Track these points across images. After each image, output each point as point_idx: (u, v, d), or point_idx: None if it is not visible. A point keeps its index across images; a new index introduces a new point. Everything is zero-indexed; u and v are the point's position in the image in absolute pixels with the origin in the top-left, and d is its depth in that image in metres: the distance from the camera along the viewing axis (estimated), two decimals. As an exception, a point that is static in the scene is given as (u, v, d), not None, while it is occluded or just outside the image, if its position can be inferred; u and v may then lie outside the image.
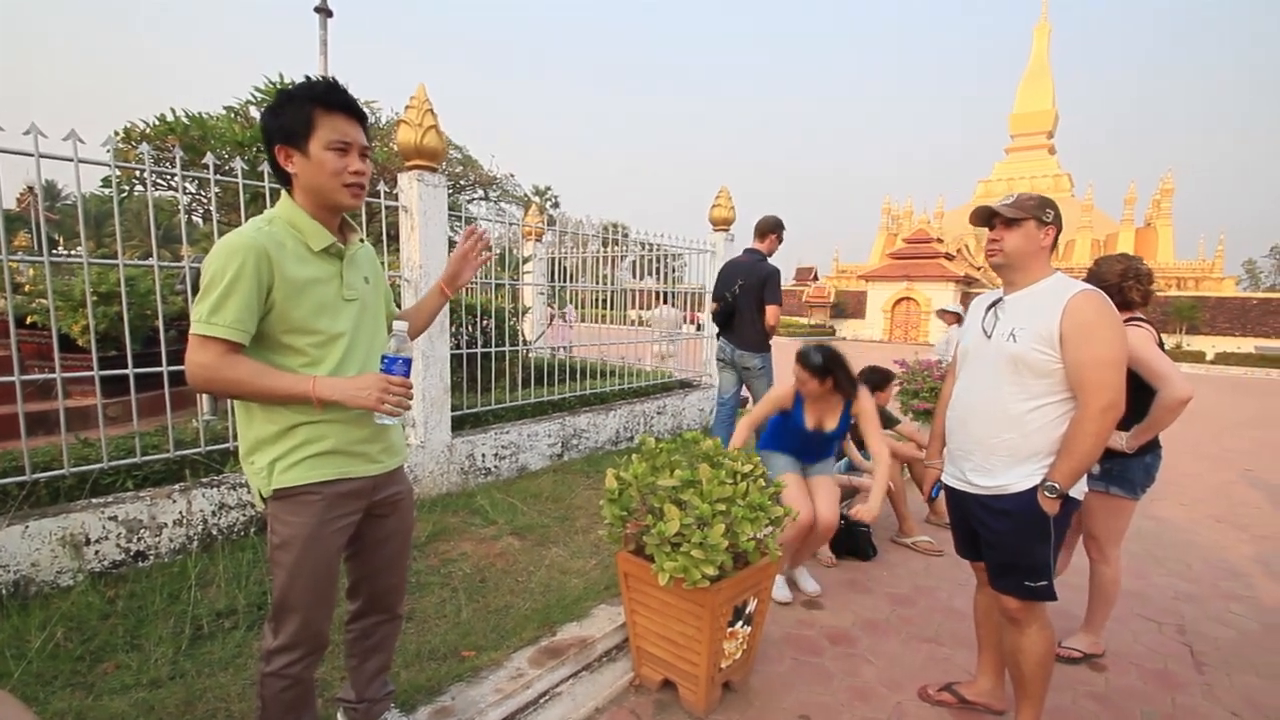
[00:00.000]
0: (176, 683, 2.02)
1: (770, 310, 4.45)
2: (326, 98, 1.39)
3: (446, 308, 3.77)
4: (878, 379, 4.36)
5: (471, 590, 2.77)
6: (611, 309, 6.21)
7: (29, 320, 4.67)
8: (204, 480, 2.88)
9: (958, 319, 7.26)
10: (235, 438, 3.05)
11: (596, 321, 7.25)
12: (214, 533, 2.85)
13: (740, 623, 2.22)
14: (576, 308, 9.35)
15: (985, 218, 1.97)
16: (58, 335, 2.63)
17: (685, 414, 6.04)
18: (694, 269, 6.43)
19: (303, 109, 1.37)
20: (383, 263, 3.38)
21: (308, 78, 1.45)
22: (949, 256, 33.96)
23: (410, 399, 1.44)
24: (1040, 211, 1.88)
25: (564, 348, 6.29)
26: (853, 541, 3.60)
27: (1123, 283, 2.49)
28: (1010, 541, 1.92)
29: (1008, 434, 1.88)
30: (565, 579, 2.94)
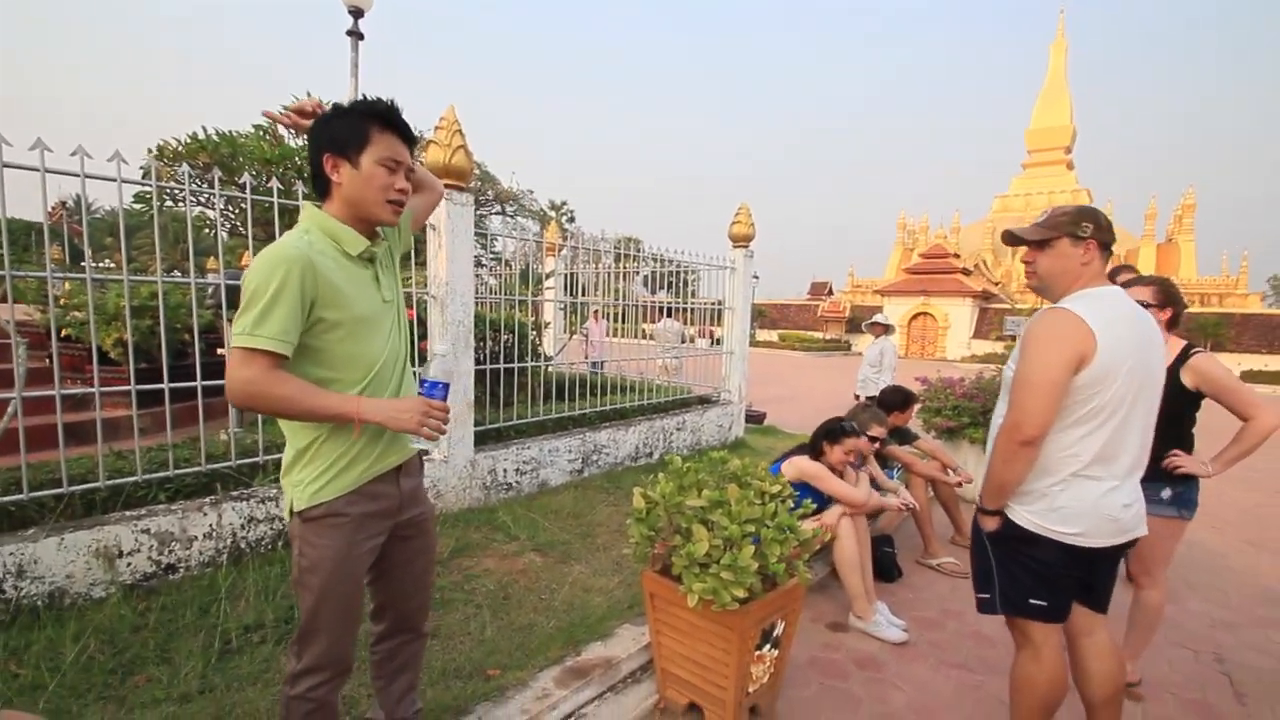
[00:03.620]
0: (206, 697, 2.04)
1: None
2: (386, 116, 1.42)
3: (471, 323, 3.79)
4: (899, 400, 4.33)
5: (495, 607, 2.76)
6: (624, 323, 6.22)
7: (63, 333, 4.78)
8: (233, 494, 2.91)
9: (886, 330, 7.43)
10: (263, 452, 3.11)
11: (614, 336, 7.27)
12: (243, 546, 2.88)
13: (768, 646, 2.20)
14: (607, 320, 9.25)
15: (1012, 241, 1.86)
16: (95, 349, 2.68)
17: (704, 430, 6.01)
18: (713, 284, 6.44)
19: (360, 123, 1.40)
20: (409, 279, 3.45)
21: (364, 96, 1.46)
22: (966, 271, 33.71)
23: (447, 423, 1.43)
24: (1075, 226, 1.71)
25: (589, 362, 6.30)
26: (878, 563, 3.55)
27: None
28: None
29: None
30: (588, 597, 2.93)
